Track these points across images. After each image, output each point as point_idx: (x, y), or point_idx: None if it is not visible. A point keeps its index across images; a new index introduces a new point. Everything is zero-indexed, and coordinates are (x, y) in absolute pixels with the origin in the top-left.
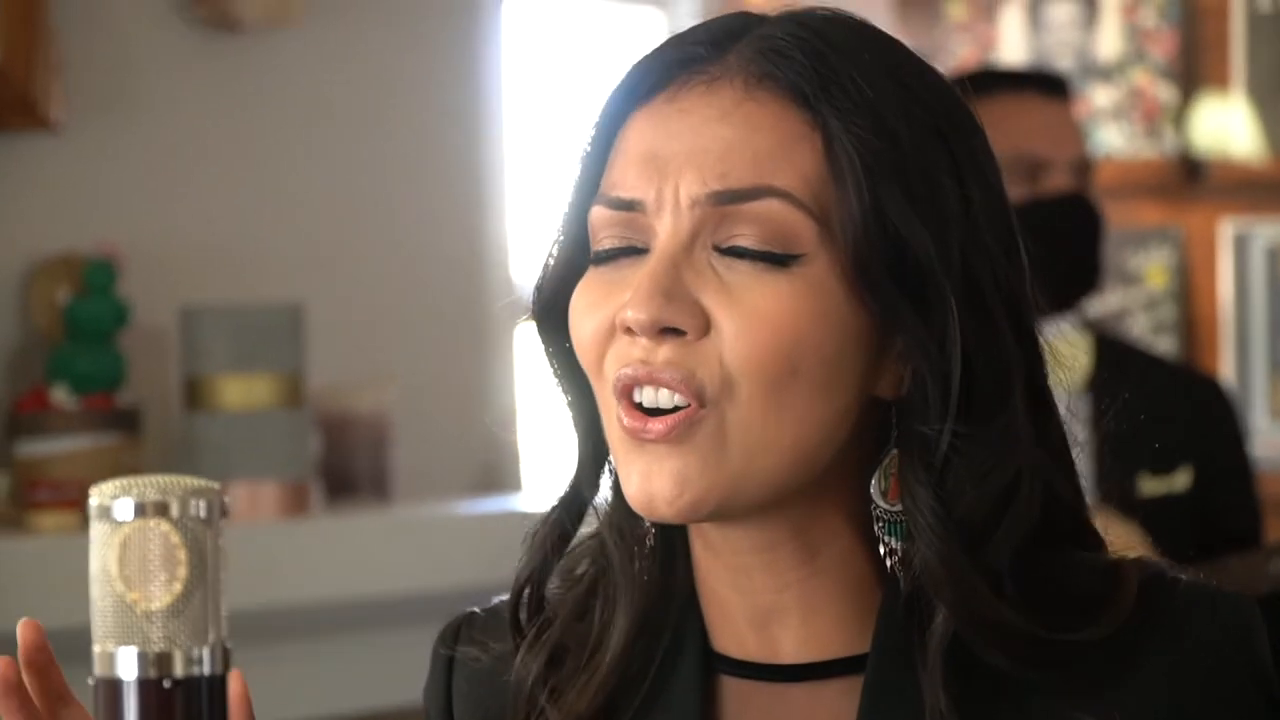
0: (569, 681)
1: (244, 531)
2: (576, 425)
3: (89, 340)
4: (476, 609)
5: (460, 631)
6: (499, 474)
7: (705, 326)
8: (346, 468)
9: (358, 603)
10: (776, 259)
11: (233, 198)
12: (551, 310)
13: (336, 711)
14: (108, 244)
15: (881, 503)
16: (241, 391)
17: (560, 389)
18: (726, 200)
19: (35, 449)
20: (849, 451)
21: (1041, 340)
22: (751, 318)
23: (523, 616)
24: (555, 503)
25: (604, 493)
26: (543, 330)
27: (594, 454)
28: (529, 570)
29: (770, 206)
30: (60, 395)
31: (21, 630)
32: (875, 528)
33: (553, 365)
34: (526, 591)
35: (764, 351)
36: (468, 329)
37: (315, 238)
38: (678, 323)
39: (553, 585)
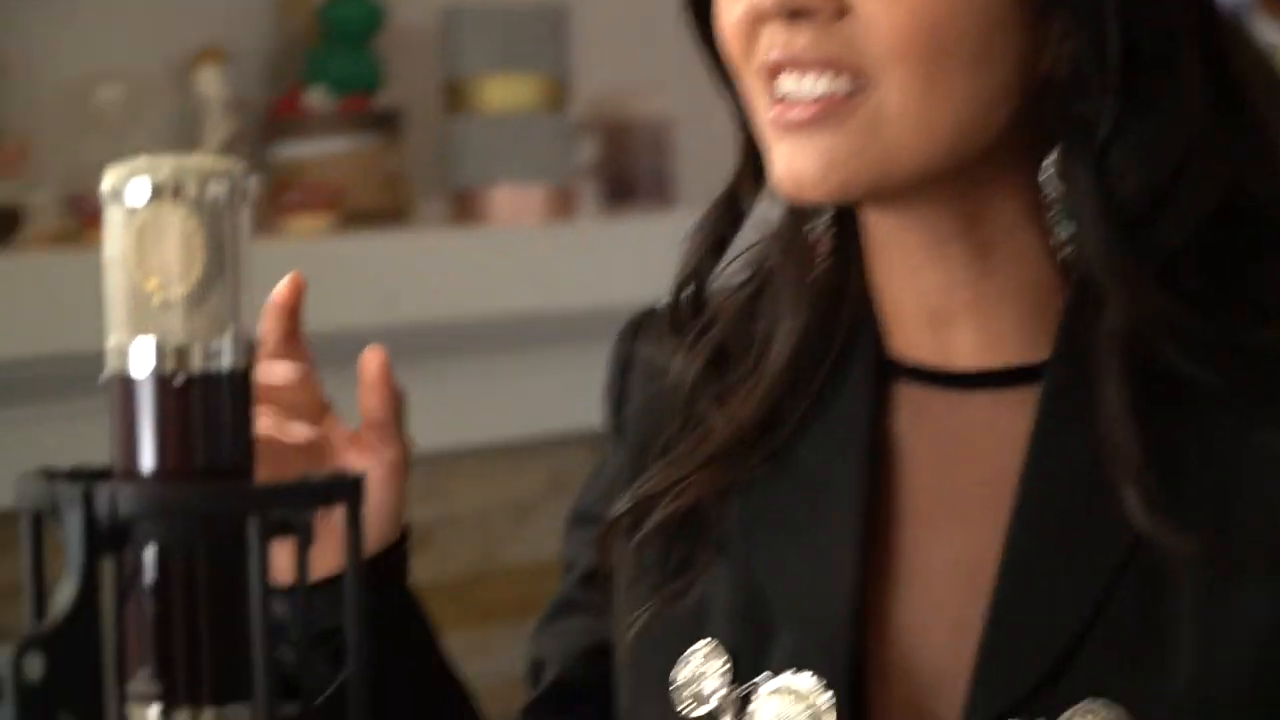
0: (734, 387)
1: (508, 236)
2: (735, 123)
3: (345, 42)
4: (659, 304)
5: (640, 327)
6: None
7: (841, 8)
8: (627, 174)
9: (634, 308)
10: None
11: None
12: (699, 6)
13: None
14: None
15: (1051, 190)
16: (504, 93)
17: (720, 87)
18: None
19: (291, 152)
20: (1016, 137)
21: (1228, 18)
22: None
23: (682, 316)
24: (713, 204)
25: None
26: (695, 29)
27: (752, 154)
28: (687, 270)
29: None
30: (316, 97)
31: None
32: (1046, 218)
33: (708, 63)
34: (686, 291)
35: (906, 31)
36: None
37: None
38: (807, 0)
39: (718, 286)
